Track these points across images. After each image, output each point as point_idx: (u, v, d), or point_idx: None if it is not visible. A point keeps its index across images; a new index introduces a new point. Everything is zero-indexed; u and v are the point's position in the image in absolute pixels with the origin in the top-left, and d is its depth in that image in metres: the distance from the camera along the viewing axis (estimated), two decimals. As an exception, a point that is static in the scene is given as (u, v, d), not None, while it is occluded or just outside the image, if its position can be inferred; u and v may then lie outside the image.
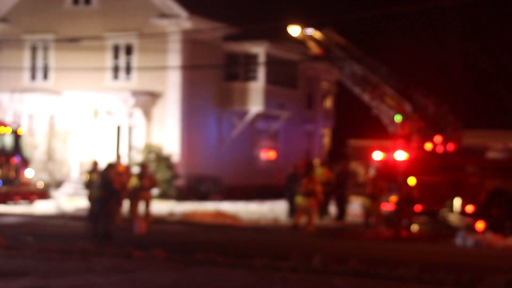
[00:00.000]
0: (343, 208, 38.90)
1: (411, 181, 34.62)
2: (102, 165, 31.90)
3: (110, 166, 31.77)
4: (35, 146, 48.37)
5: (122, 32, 48.33)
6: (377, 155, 37.76)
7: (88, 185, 31.85)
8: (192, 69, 47.64)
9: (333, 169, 39.86)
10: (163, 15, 47.67)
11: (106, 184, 30.82)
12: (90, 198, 31.41)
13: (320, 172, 39.05)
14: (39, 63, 50.91)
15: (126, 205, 34.42)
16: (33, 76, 50.97)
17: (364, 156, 47.48)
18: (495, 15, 67.32)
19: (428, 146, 38.12)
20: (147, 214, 33.78)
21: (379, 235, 33.46)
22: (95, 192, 30.73)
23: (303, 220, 34.63)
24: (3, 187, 38.64)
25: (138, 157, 44.77)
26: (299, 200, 34.84)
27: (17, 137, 40.99)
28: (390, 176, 35.64)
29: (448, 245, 31.17)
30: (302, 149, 57.04)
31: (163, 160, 46.07)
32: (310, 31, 44.76)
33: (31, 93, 49.81)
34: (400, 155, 36.38)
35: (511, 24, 68.37)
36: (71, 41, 47.76)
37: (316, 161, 43.02)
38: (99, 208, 30.30)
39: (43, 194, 40.95)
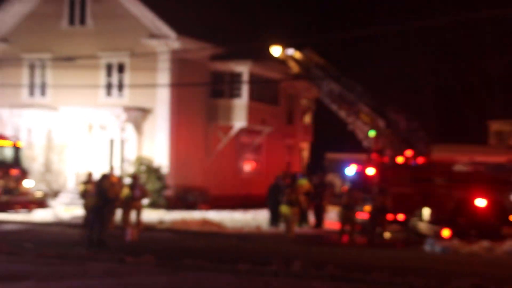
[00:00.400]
0: (321, 216, 39.11)
1: (384, 192, 34.86)
2: (97, 176, 31.95)
3: (104, 177, 31.89)
4: (33, 158, 48.36)
5: (114, 52, 48.40)
6: (352, 168, 38.00)
7: (83, 194, 31.92)
8: (180, 87, 47.68)
9: (311, 181, 40.07)
10: (153, 35, 47.74)
11: (101, 194, 30.94)
12: (85, 207, 31.48)
13: (304, 182, 39.31)
14: (37, 80, 50.91)
15: (118, 213, 34.54)
16: (31, 93, 50.96)
17: (340, 169, 47.66)
18: (463, 39, 67.62)
19: (400, 159, 38.30)
20: (138, 222, 33.85)
21: (354, 242, 33.68)
22: (90, 201, 30.84)
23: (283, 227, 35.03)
24: (3, 196, 38.65)
25: (130, 169, 44.78)
26: (284, 209, 35.14)
27: (16, 150, 41.03)
28: (364, 187, 35.84)
29: (417, 251, 31.36)
30: (283, 161, 57.15)
31: (153, 171, 46.11)
32: (291, 51, 44.91)
33: (29, 109, 49.79)
34: (374, 168, 36.57)
35: (477, 47, 68.68)
36: (67, 60, 47.75)
37: (299, 174, 43.19)
38: (94, 216, 30.40)
39: (41, 203, 40.98)
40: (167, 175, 46.71)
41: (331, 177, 51.30)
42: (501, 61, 66.01)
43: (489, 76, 71.39)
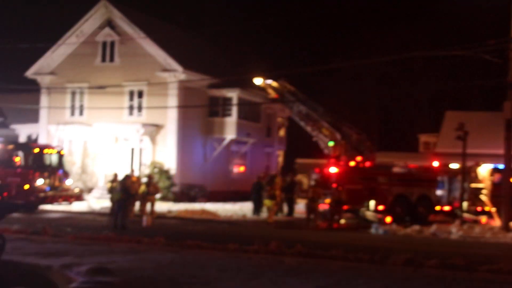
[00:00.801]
0: (292, 207, 38.99)
1: (340, 188, 34.77)
2: (121, 176, 31.81)
3: (127, 177, 31.82)
4: (73, 163, 48.15)
5: (135, 82, 48.27)
6: (315, 170, 37.90)
7: (110, 190, 31.72)
8: (185, 108, 47.58)
9: (285, 179, 39.95)
10: (165, 69, 47.64)
11: (124, 190, 30.88)
12: (112, 200, 31.31)
13: (279, 180, 39.20)
14: (77, 103, 50.71)
15: (137, 205, 34.41)
16: (72, 113, 50.72)
17: (307, 170, 47.51)
18: (400, 71, 67.68)
19: (352, 163, 38.16)
20: (152, 211, 33.77)
21: (317, 226, 33.57)
22: (115, 195, 30.73)
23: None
24: (50, 192, 38.42)
25: (146, 171, 44.59)
26: (266, 202, 35.34)
27: (60, 156, 40.77)
28: (325, 184, 35.71)
29: (365, 233, 31.32)
30: (263, 165, 56.98)
31: (164, 173, 45.96)
32: (269, 81, 44.68)
33: (70, 125, 49.64)
34: (332, 170, 36.42)
35: (410, 77, 68.74)
36: (99, 88, 47.72)
37: (275, 174, 43.11)
38: (118, 207, 30.30)
39: (79, 197, 40.72)
40: (174, 175, 46.60)
41: (300, 177, 51.23)
42: (428, 88, 66.05)
43: (419, 99, 71.48)
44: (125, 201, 30.69)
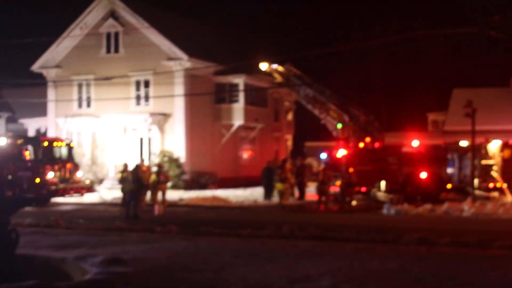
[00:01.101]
0: (303, 190, 39.01)
1: (350, 169, 34.80)
2: (131, 166, 31.82)
3: (137, 167, 31.84)
4: (82, 154, 48.21)
5: (141, 72, 48.27)
6: (325, 153, 37.94)
7: (121, 181, 31.70)
8: (192, 96, 47.57)
9: (294, 163, 39.97)
10: (170, 58, 47.63)
11: (136, 180, 30.93)
12: (123, 190, 31.30)
13: (289, 164, 39.27)
14: (84, 95, 50.78)
15: (148, 194, 34.48)
16: (79, 105, 50.81)
17: (317, 153, 47.52)
18: (406, 51, 67.51)
19: (361, 145, 38.19)
20: (164, 200, 33.76)
21: (329, 209, 33.61)
22: (127, 186, 30.71)
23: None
24: (61, 184, 38.53)
25: (156, 160, 44.61)
26: (278, 185, 35.33)
27: (70, 148, 40.87)
28: (335, 167, 35.77)
29: (377, 214, 31.36)
30: (272, 150, 57.02)
31: (173, 161, 46.04)
32: (275, 66, 44.73)
33: (78, 117, 49.70)
34: (342, 152, 36.45)
35: (417, 57, 68.57)
36: (105, 79, 47.63)
37: (286, 158, 43.13)
38: (130, 197, 30.34)
39: (90, 188, 40.89)
40: (184, 163, 46.68)
41: (310, 160, 51.17)
42: (435, 67, 65.90)
43: (426, 78, 71.33)
44: (136, 191, 30.74)
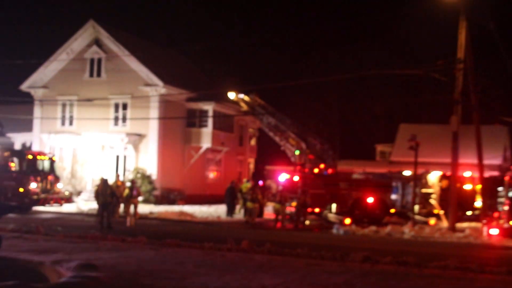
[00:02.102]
0: (262, 209, 39.01)
1: (305, 192, 34.92)
2: (107, 181, 31.63)
3: (106, 182, 31.50)
4: (63, 168, 47.93)
5: (120, 95, 48.20)
6: (283, 176, 38.00)
7: (97, 193, 31.53)
8: (165, 119, 47.58)
9: (255, 185, 40.02)
10: (147, 84, 47.60)
11: (110, 193, 30.82)
12: (98, 202, 31.11)
13: (248, 185, 39.28)
14: (67, 114, 50.50)
15: (121, 207, 34.35)
16: (63, 123, 50.51)
17: (275, 176, 47.62)
18: (359, 88, 68.02)
19: (316, 170, 38.38)
20: (135, 213, 33.54)
21: (285, 227, 33.67)
22: (100, 198, 30.55)
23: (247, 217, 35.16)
24: (42, 194, 38.33)
25: (130, 176, 44.49)
26: (249, 204, 35.33)
27: (52, 162, 40.67)
28: (292, 189, 35.86)
29: (327, 233, 31.48)
30: (235, 172, 57.07)
31: (146, 178, 45.93)
32: (242, 95, 44.92)
33: (61, 134, 49.39)
34: (298, 176, 36.58)
35: (369, 94, 69.09)
36: (87, 100, 47.59)
37: (244, 180, 43.10)
38: (102, 208, 30.23)
39: (69, 199, 40.64)
40: (155, 180, 46.61)
41: (269, 182, 51.23)
42: (384, 103, 66.50)
43: (376, 113, 71.92)
44: (108, 203, 30.58)
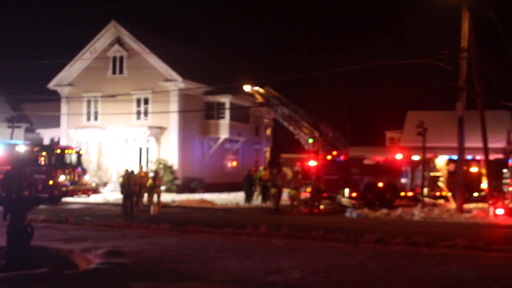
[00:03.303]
0: (280, 195, 39.02)
1: (319, 178, 34.90)
2: (132, 172, 31.68)
3: (130, 174, 31.52)
4: (89, 161, 48.15)
5: (142, 91, 48.27)
6: (297, 164, 38.01)
7: (122, 185, 31.63)
8: (184, 112, 47.62)
9: (272, 172, 39.96)
10: (167, 79, 47.64)
11: (137, 184, 31.02)
12: (122, 193, 31.19)
13: (264, 173, 39.31)
14: (92, 110, 50.67)
15: (145, 196, 34.46)
16: (88, 118, 50.70)
17: (291, 164, 47.57)
18: (370, 79, 67.75)
19: (329, 157, 38.28)
20: (159, 201, 33.76)
21: (300, 212, 33.66)
22: (125, 189, 30.65)
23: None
24: (70, 186, 38.55)
25: (153, 167, 44.63)
26: (273, 190, 35.24)
27: (79, 156, 40.86)
28: (306, 175, 35.82)
29: (341, 217, 31.42)
30: (252, 160, 57.06)
31: (168, 168, 46.03)
32: (256, 88, 44.73)
33: (87, 129, 49.62)
34: (312, 163, 36.52)
35: (378, 84, 68.80)
36: (111, 96, 47.75)
37: (261, 168, 43.05)
38: (124, 198, 30.42)
39: (95, 190, 40.84)
40: (177, 170, 46.72)
41: (285, 170, 51.25)
42: (393, 91, 66.23)
43: (385, 101, 71.64)
44: (130, 194, 30.65)
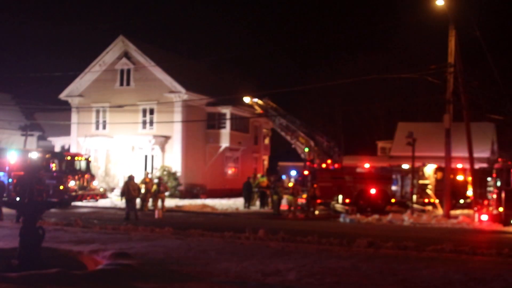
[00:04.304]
0: (280, 201, 38.96)
1: (314, 185, 34.88)
2: (131, 179, 31.44)
3: (129, 180, 31.31)
4: (98, 167, 48.08)
5: (147, 101, 48.29)
6: (295, 171, 38.03)
7: (123, 191, 31.43)
8: (188, 122, 47.64)
9: (270, 179, 39.94)
10: (171, 91, 47.68)
11: (138, 189, 30.92)
12: (124, 198, 31.00)
13: (263, 180, 39.29)
14: (100, 119, 50.64)
15: (150, 201, 34.43)
16: (97, 127, 50.64)
17: (288, 171, 47.60)
18: (363, 91, 67.81)
19: (323, 165, 38.28)
20: (163, 206, 33.76)
21: (296, 217, 33.61)
22: (126, 195, 30.51)
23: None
24: (80, 191, 38.59)
25: (157, 174, 44.59)
26: (275, 197, 35.11)
27: (88, 162, 40.92)
28: (303, 182, 35.83)
29: (335, 222, 31.39)
30: (251, 168, 57.00)
31: (171, 175, 45.99)
32: (256, 99, 44.82)
33: (95, 137, 49.56)
34: (308, 171, 36.53)
35: (370, 96, 68.84)
36: (118, 107, 47.75)
37: (259, 175, 42.97)
38: (126, 203, 30.38)
39: (103, 195, 40.86)
40: (180, 177, 46.66)
41: (286, 180, 51.28)
42: (383, 105, 66.30)
43: (376, 113, 71.72)
44: (130, 199, 30.41)
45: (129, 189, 30.26)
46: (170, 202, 39.25)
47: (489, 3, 64.54)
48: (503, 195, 27.79)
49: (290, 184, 35.92)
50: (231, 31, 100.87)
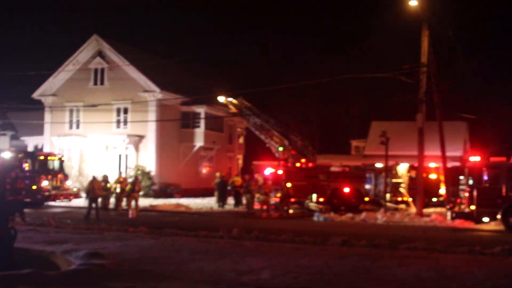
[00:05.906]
0: (253, 200, 38.96)
1: (288, 184, 34.92)
2: (111, 178, 31.55)
3: (94, 179, 31.38)
4: (71, 167, 47.74)
5: (122, 101, 48.09)
6: (268, 170, 38.02)
7: (87, 190, 31.48)
8: (162, 122, 47.51)
9: (244, 178, 39.93)
10: (145, 90, 47.53)
11: (103, 188, 31.09)
12: (88, 197, 31.05)
13: (237, 179, 39.28)
14: (74, 119, 50.36)
15: (124, 200, 34.28)
16: (70, 127, 50.32)
17: (261, 171, 47.57)
18: (337, 91, 68.03)
19: (297, 164, 38.34)
20: (136, 206, 33.62)
21: (270, 216, 33.63)
22: (90, 194, 30.62)
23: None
24: (53, 191, 38.28)
25: (131, 173, 44.39)
26: (248, 196, 35.18)
27: (61, 162, 40.60)
28: (276, 181, 35.85)
29: (309, 220, 31.47)
30: (226, 167, 56.99)
31: (146, 174, 45.85)
32: (230, 99, 44.72)
33: (69, 136, 49.29)
34: (282, 170, 36.59)
35: (344, 95, 69.10)
36: (92, 106, 47.34)
37: (217, 173, 42.90)
38: (91, 202, 30.36)
39: (76, 195, 40.52)
40: (154, 176, 46.56)
41: (256, 176, 51.21)
42: (357, 104, 66.64)
43: (350, 113, 72.06)
44: (92, 198, 30.51)
45: (94, 188, 30.43)
46: (144, 202, 39.10)
47: (462, 3, 65.13)
48: (475, 193, 28.04)
49: (260, 182, 35.88)
50: (207, 31, 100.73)
